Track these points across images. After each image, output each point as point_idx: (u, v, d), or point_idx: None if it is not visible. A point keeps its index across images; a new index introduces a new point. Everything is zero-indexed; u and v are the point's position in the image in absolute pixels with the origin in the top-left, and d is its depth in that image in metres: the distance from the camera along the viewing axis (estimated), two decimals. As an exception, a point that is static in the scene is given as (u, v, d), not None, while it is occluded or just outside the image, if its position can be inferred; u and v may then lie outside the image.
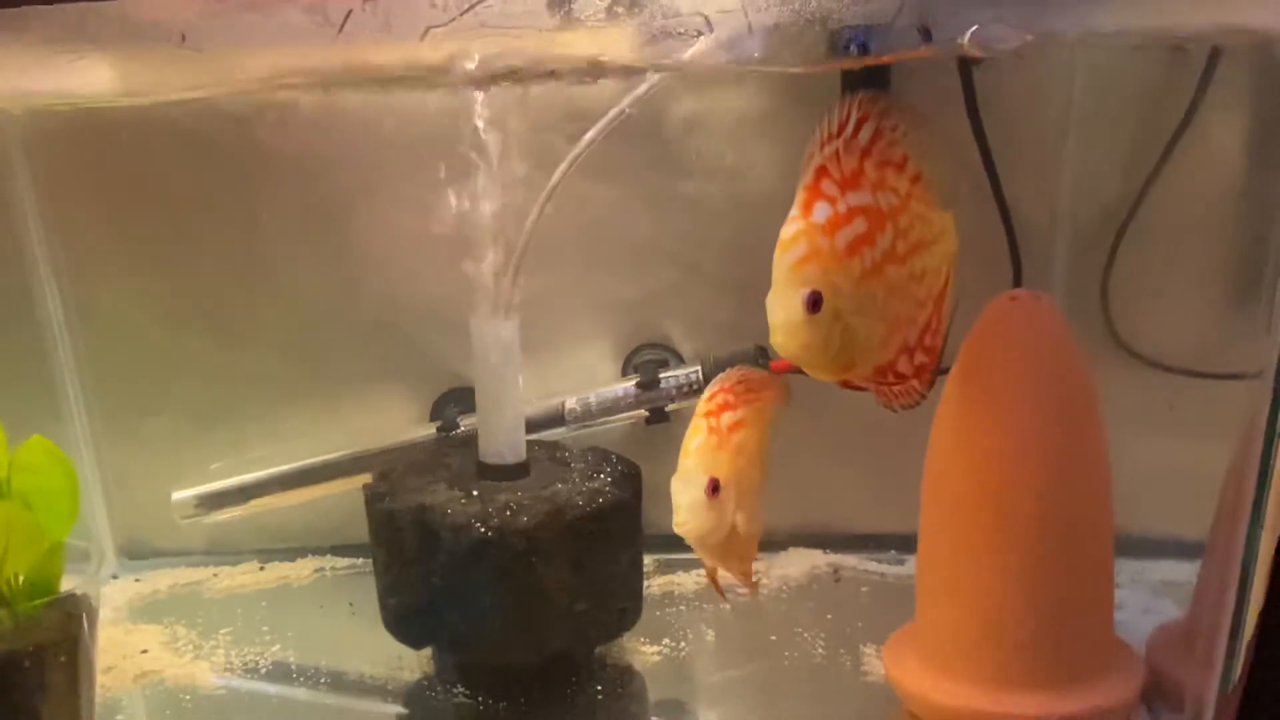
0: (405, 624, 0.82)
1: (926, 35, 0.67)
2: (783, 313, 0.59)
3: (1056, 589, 0.68)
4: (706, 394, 0.72)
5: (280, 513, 1.00)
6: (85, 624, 0.77)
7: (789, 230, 0.60)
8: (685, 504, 0.67)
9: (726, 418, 0.71)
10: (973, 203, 0.90)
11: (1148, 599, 0.88)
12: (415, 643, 0.83)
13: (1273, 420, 0.64)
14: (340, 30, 0.59)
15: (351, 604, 0.93)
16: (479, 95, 0.78)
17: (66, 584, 0.78)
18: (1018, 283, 0.91)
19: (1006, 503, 0.67)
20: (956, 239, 0.66)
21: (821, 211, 0.59)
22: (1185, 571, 0.89)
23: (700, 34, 0.62)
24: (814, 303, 0.58)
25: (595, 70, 0.66)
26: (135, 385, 1.03)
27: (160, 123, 0.95)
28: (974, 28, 0.64)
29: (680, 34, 0.62)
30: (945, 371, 0.70)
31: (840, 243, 0.59)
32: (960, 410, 0.69)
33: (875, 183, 0.61)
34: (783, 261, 0.59)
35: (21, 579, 0.76)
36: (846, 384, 0.66)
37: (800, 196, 0.60)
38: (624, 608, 0.83)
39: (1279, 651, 0.64)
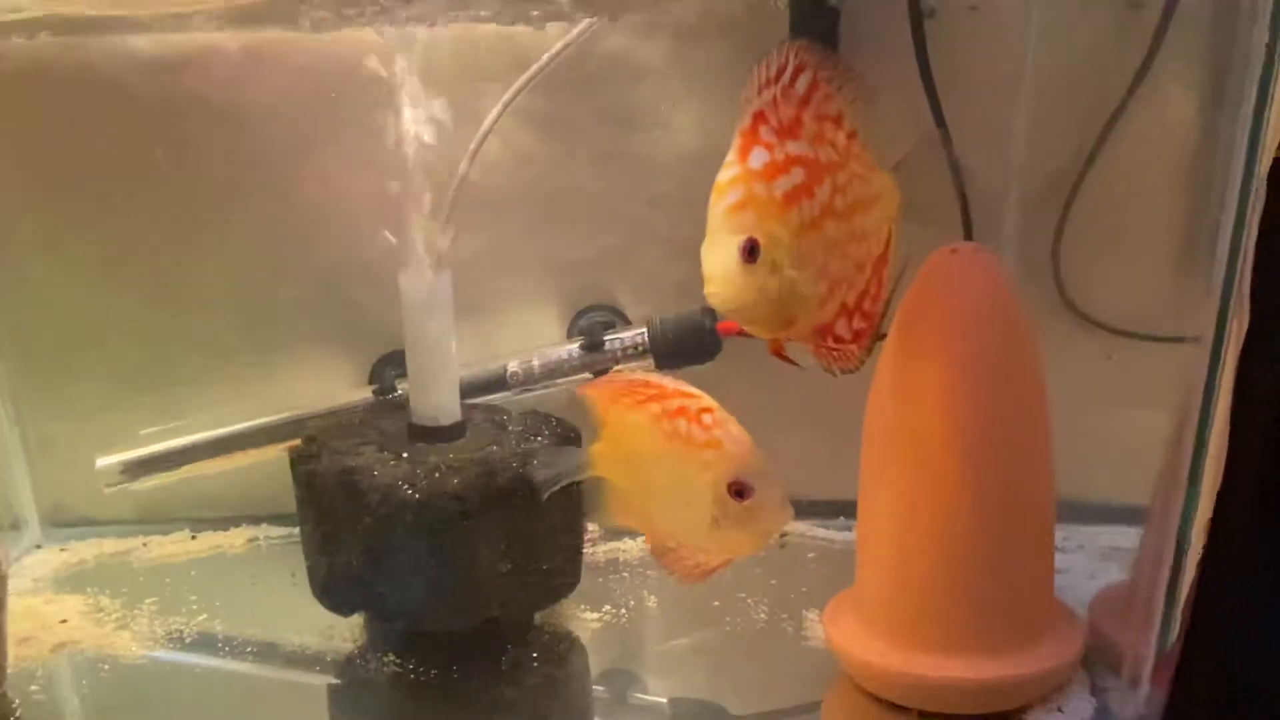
0: (333, 590, 0.79)
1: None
2: (717, 261, 0.57)
3: (993, 552, 0.66)
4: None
5: (214, 480, 0.96)
6: (-6, 591, 0.74)
7: (725, 175, 0.58)
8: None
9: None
10: (923, 160, 0.88)
11: (1094, 564, 0.88)
12: (343, 610, 0.81)
13: (1210, 384, 0.62)
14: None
15: (294, 575, 0.90)
16: (414, 41, 0.75)
17: (-25, 551, 0.74)
18: (968, 239, 0.90)
19: (940, 461, 0.65)
20: (898, 201, 0.64)
21: (759, 157, 0.58)
22: (1131, 537, 0.89)
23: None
24: (750, 250, 0.57)
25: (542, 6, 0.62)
26: (61, 349, 0.99)
27: (82, 72, 0.91)
28: None
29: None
30: (884, 337, 0.68)
31: (778, 191, 0.58)
32: (897, 365, 0.67)
33: (814, 135, 0.59)
34: (718, 207, 0.57)
35: (-76, 545, 0.73)
36: (778, 352, 0.65)
37: (736, 142, 0.58)
38: (561, 573, 0.80)
39: (1214, 613, 0.63)
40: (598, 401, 0.68)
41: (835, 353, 0.65)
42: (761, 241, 0.56)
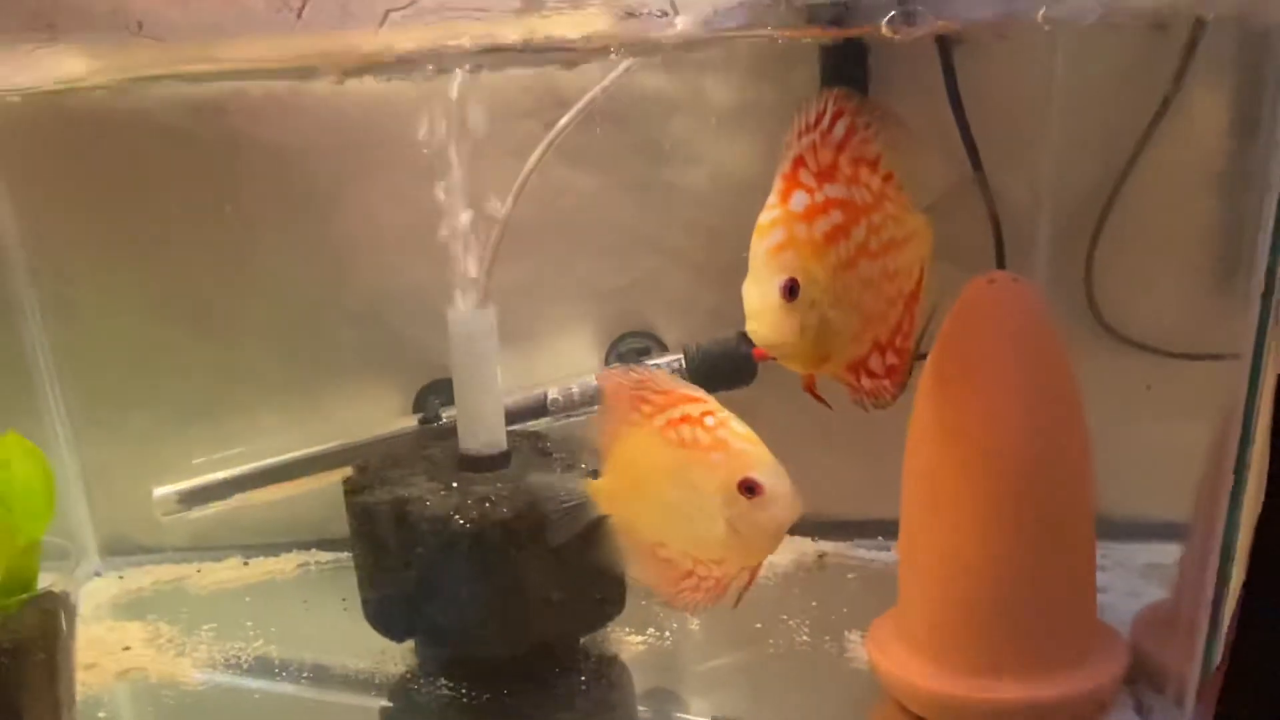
0: (386, 617, 0.81)
1: (908, 16, 0.67)
2: (759, 299, 0.59)
3: (1037, 573, 0.67)
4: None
5: (263, 508, 0.99)
6: (64, 621, 0.77)
7: (766, 217, 0.60)
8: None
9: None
10: (955, 188, 0.90)
11: (1133, 582, 0.88)
12: (397, 636, 0.83)
13: (1251, 400, 0.63)
14: (299, 16, 0.58)
15: (344, 600, 0.92)
16: (453, 81, 0.78)
17: (44, 581, 0.77)
18: (1000, 264, 0.91)
19: (984, 485, 0.67)
20: (930, 242, 0.66)
21: (799, 200, 0.60)
22: (1170, 554, 0.89)
23: (665, 14, 0.62)
24: (790, 290, 0.59)
25: (562, 52, 0.65)
26: (115, 381, 1.02)
27: (135, 116, 0.95)
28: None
29: (645, 14, 0.62)
30: (923, 357, 0.70)
31: (817, 232, 0.60)
32: (938, 393, 0.68)
33: (850, 177, 0.62)
34: (760, 248, 0.59)
35: (-2, 578, 0.76)
36: (810, 389, 0.66)
37: (778, 185, 0.60)
38: (607, 598, 0.82)
39: (1260, 632, 0.63)
40: (601, 435, 0.68)
41: (868, 387, 0.67)
42: (801, 281, 0.59)
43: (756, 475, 0.61)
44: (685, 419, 0.64)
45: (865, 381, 0.66)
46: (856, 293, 0.62)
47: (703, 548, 0.66)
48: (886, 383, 0.66)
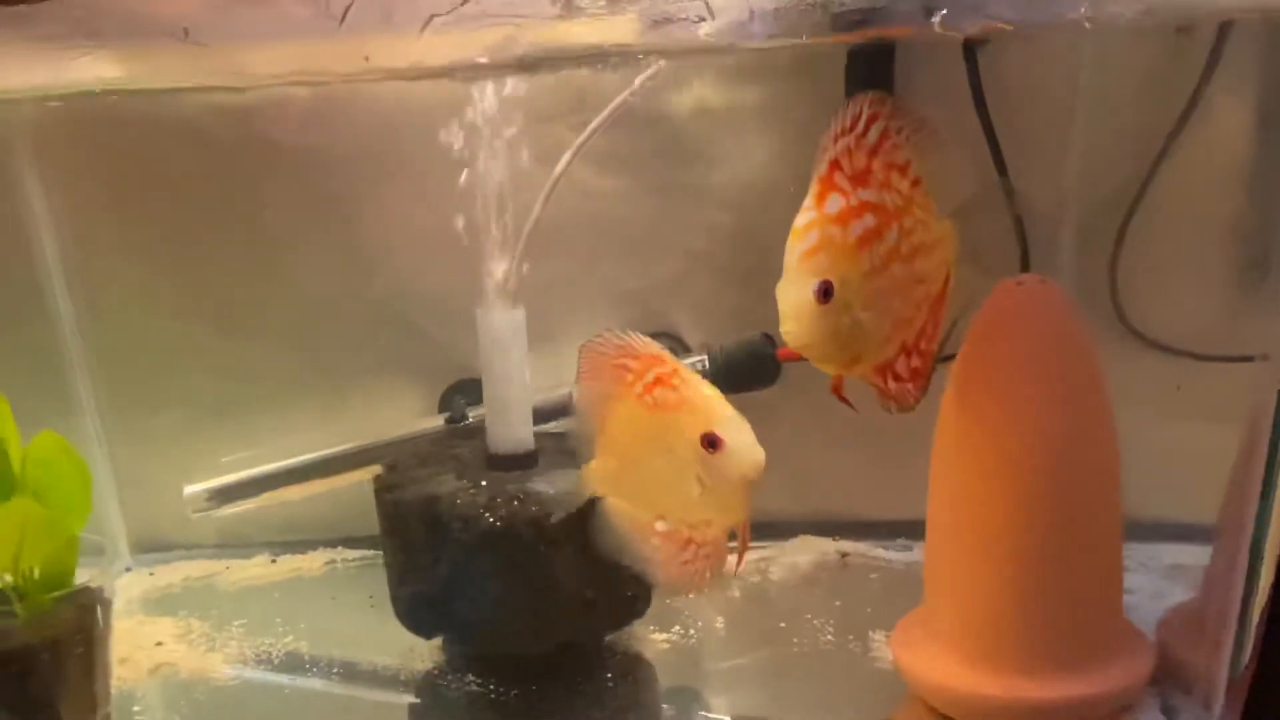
0: (416, 614, 0.82)
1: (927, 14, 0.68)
2: (793, 301, 0.60)
3: (1064, 573, 0.68)
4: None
5: (291, 506, 1.00)
6: (100, 616, 0.78)
7: (802, 220, 0.61)
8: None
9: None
10: (979, 191, 0.90)
11: (1158, 583, 0.88)
12: (426, 632, 0.84)
13: (1281, 401, 0.63)
14: (341, 23, 0.59)
15: (371, 597, 0.93)
16: (484, 85, 0.79)
17: (81, 577, 0.78)
18: (1025, 268, 0.91)
19: (1013, 486, 0.67)
20: (955, 246, 0.67)
21: (834, 204, 0.61)
22: (1195, 555, 0.89)
23: (702, 19, 0.63)
24: (825, 292, 0.59)
25: (599, 57, 0.66)
26: (145, 380, 1.03)
27: (166, 118, 0.96)
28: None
29: (682, 19, 0.62)
30: (949, 358, 0.70)
31: (851, 235, 0.61)
32: (966, 395, 0.69)
33: (882, 182, 0.62)
34: (795, 250, 0.60)
35: (37, 573, 0.77)
36: (837, 391, 0.67)
37: (813, 188, 0.61)
38: (633, 596, 0.83)
39: (1288, 633, 0.64)
40: (587, 414, 0.68)
41: (893, 390, 0.67)
42: (835, 283, 0.59)
43: (717, 429, 0.62)
44: (658, 381, 0.65)
45: (891, 385, 0.67)
46: (887, 296, 0.62)
47: (687, 510, 0.66)
48: (910, 386, 0.67)
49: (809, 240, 0.59)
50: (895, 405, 0.68)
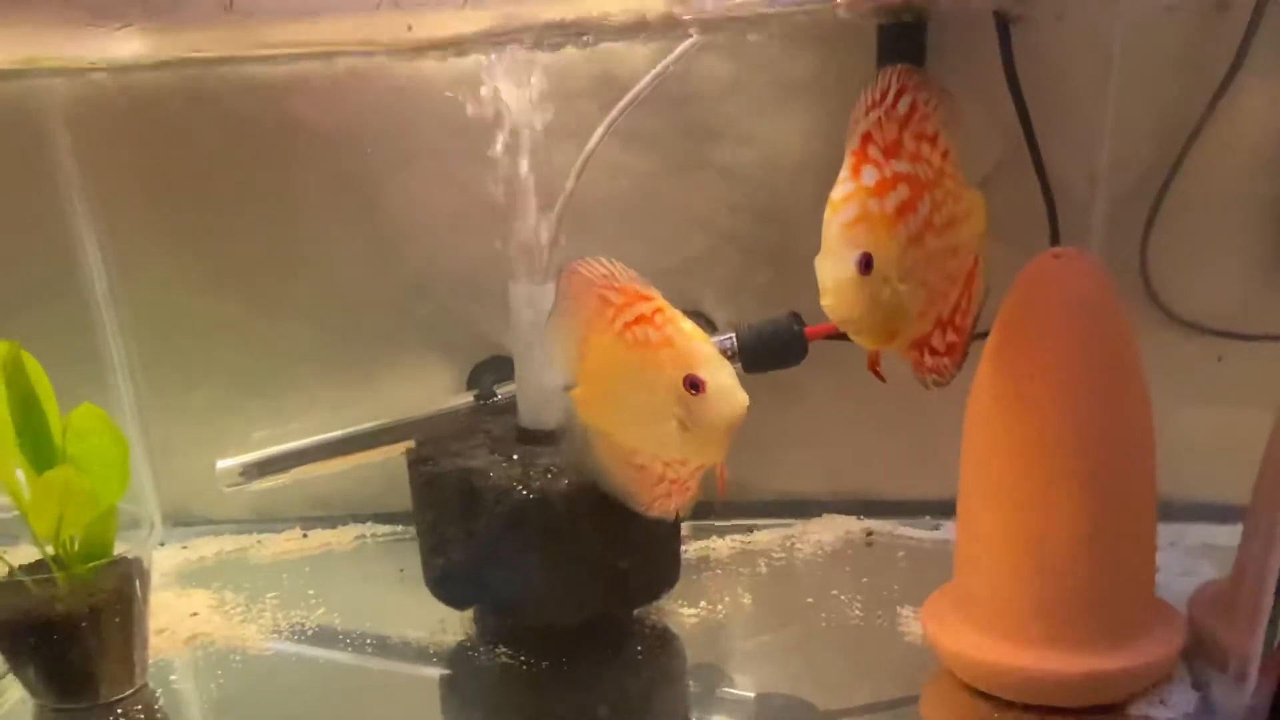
0: (449, 585, 0.83)
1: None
2: (834, 274, 0.60)
3: (1099, 546, 0.68)
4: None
5: (321, 481, 1.01)
6: (138, 586, 0.79)
7: (840, 192, 0.60)
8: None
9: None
10: (1010, 166, 0.90)
11: (1186, 561, 0.88)
12: (459, 604, 0.85)
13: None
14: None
15: (402, 570, 0.94)
16: (514, 60, 0.79)
17: (119, 548, 0.80)
18: (1055, 244, 0.91)
19: (1048, 460, 0.67)
20: (985, 218, 0.67)
21: (870, 175, 0.60)
22: (1223, 534, 0.89)
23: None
24: (866, 264, 0.59)
25: (632, 30, 0.66)
26: (178, 356, 1.05)
27: (197, 95, 0.97)
28: None
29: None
30: (981, 336, 0.70)
31: (888, 207, 0.60)
32: (1002, 368, 0.69)
33: (913, 153, 0.62)
34: (834, 223, 0.60)
35: (77, 543, 0.78)
36: (873, 366, 0.67)
37: (848, 161, 0.61)
38: (662, 569, 0.84)
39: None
40: (567, 337, 0.68)
41: (929, 365, 0.68)
42: (875, 256, 0.59)
43: (700, 372, 0.62)
44: (640, 319, 0.65)
45: (928, 359, 0.67)
46: (923, 269, 0.62)
47: (665, 447, 0.66)
48: (947, 360, 0.67)
49: (848, 212, 0.59)
50: (933, 380, 0.68)
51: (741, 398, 0.62)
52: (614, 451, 0.69)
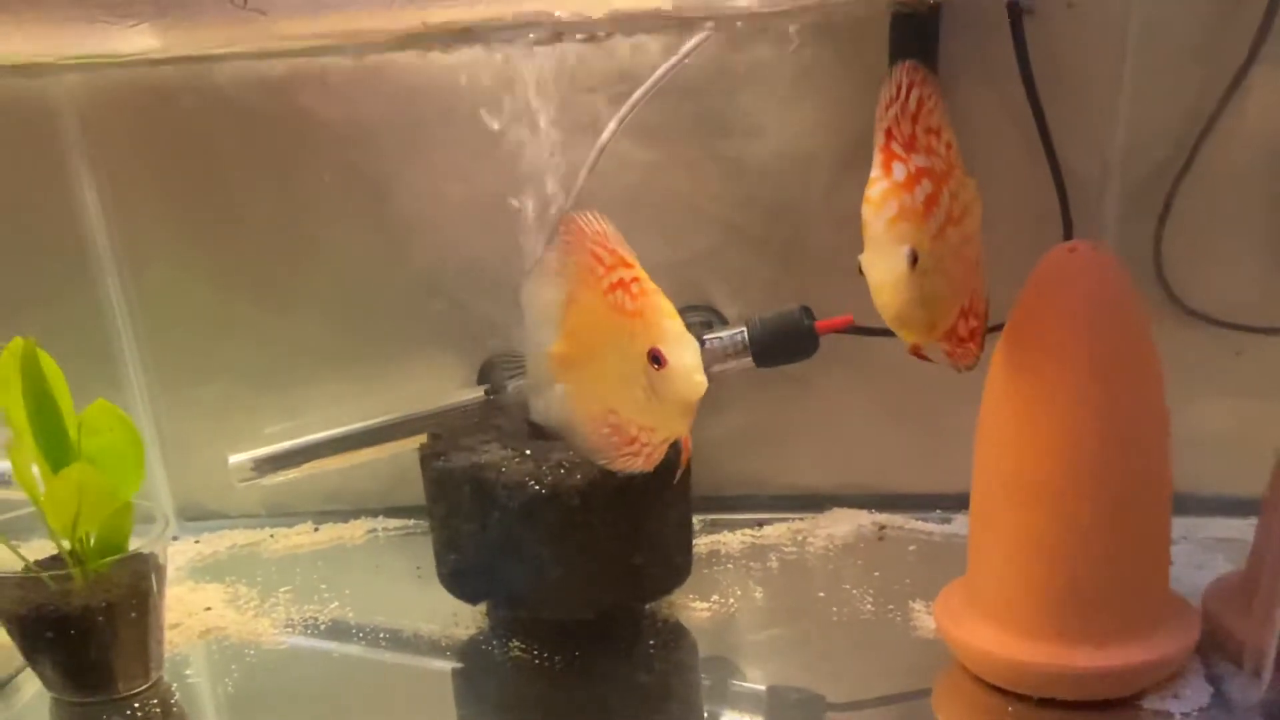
0: (462, 580, 0.83)
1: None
2: (885, 271, 0.60)
3: (1111, 542, 0.68)
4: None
5: (333, 476, 1.02)
6: (153, 581, 0.80)
7: (876, 189, 0.61)
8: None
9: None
10: (1023, 156, 0.90)
11: (1201, 554, 0.88)
12: (472, 598, 0.85)
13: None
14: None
15: (419, 568, 0.95)
16: (525, 54, 0.78)
17: (134, 543, 0.80)
18: (1068, 236, 0.91)
19: (1063, 453, 0.67)
20: (980, 206, 0.67)
21: (899, 170, 0.61)
22: (1236, 528, 0.89)
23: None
24: (915, 259, 0.59)
25: (641, 23, 0.65)
26: (190, 352, 1.05)
27: (208, 92, 0.97)
28: None
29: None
30: (995, 328, 0.70)
31: (919, 200, 0.61)
32: (1016, 362, 0.68)
33: (927, 147, 0.63)
34: (878, 220, 0.60)
35: (93, 538, 0.79)
36: (916, 351, 0.67)
37: (877, 158, 0.62)
38: (675, 564, 0.84)
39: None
40: (555, 285, 0.69)
41: (959, 351, 0.68)
42: (917, 250, 0.59)
43: (662, 347, 0.63)
44: (620, 284, 0.66)
45: (956, 347, 0.68)
46: (949, 259, 0.63)
47: (639, 412, 0.67)
48: (971, 346, 0.68)
49: (890, 209, 0.59)
50: (963, 365, 0.69)
51: (700, 379, 0.63)
52: (589, 408, 0.70)
